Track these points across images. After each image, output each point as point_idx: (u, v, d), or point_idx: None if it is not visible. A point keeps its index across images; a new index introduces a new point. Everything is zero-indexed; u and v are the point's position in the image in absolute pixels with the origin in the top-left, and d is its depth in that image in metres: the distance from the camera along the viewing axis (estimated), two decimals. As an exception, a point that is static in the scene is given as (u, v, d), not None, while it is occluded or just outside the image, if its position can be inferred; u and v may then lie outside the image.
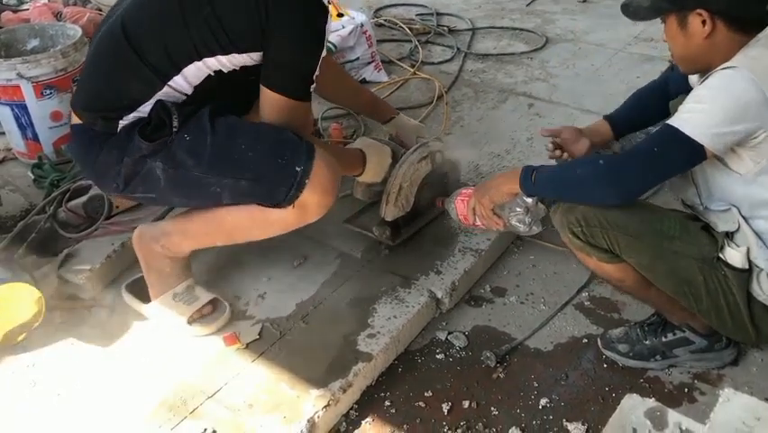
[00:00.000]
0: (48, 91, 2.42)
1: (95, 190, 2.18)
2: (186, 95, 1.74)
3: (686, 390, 1.81)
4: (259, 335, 1.89)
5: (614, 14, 3.81)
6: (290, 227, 1.78)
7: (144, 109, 1.72)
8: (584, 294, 2.12)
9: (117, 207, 2.20)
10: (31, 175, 2.44)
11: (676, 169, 1.63)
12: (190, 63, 1.68)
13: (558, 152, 1.98)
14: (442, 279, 2.06)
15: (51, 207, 2.18)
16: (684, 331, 1.82)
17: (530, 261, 2.25)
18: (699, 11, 1.54)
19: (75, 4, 3.75)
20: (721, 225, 1.65)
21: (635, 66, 3.29)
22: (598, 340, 1.92)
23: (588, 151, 1.96)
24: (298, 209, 1.70)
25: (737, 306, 1.65)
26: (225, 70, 1.71)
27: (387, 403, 1.79)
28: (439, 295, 2.02)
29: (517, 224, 1.81)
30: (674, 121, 1.56)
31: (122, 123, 1.74)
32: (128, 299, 2.01)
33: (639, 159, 1.60)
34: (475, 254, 2.15)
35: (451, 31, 3.67)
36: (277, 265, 2.13)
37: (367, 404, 1.79)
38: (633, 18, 1.68)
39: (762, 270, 1.62)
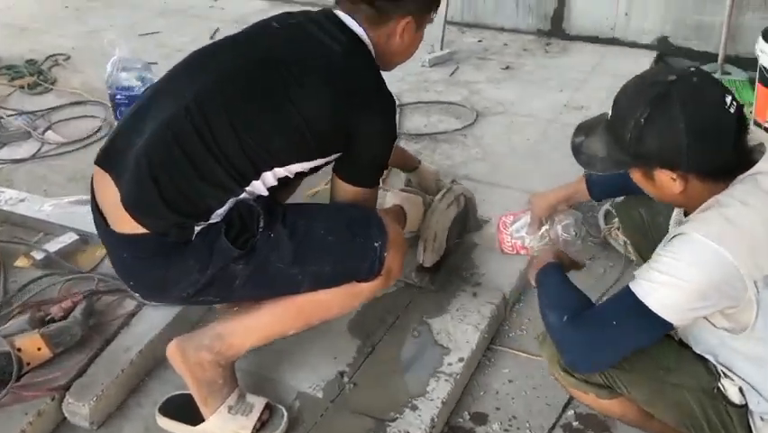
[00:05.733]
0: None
1: (-1, 347, 1.84)
2: (259, 196, 1.67)
3: None
4: None
5: (536, 80, 3.87)
6: (378, 293, 1.87)
7: (220, 213, 1.63)
8: (570, 412, 1.94)
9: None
10: None
11: (641, 343, 1.46)
12: (269, 170, 1.65)
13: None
14: (419, 415, 1.83)
15: (-54, 372, 1.82)
16: None
17: (505, 375, 2.06)
18: (664, 170, 1.39)
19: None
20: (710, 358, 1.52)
21: (570, 138, 3.21)
22: (596, 469, 1.74)
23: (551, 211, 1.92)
24: (385, 276, 1.74)
25: None
26: (304, 170, 1.71)
27: None
28: (418, 437, 1.80)
29: (565, 234, 1.85)
30: (637, 289, 1.39)
31: (197, 229, 1.62)
32: (170, 425, 1.79)
33: (600, 331, 1.43)
34: (449, 378, 1.94)
35: (377, 108, 3.51)
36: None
37: None
38: (588, 168, 1.56)
39: (753, 411, 1.49)
